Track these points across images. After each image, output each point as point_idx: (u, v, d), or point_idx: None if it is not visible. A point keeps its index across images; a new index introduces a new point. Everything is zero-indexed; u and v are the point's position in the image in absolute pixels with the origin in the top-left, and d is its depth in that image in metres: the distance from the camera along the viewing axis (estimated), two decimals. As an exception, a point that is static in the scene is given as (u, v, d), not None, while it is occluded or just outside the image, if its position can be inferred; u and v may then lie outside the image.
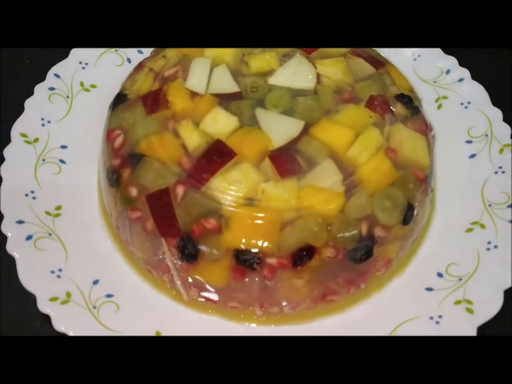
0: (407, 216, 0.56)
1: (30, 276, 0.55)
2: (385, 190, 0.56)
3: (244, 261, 0.52)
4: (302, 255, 0.52)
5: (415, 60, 0.77)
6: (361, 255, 0.54)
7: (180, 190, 0.54)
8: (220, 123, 0.59)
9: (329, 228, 0.53)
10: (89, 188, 0.66)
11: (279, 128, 0.59)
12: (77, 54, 0.74)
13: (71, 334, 0.52)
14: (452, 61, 0.75)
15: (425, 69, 0.76)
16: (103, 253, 0.61)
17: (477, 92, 0.72)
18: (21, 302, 0.58)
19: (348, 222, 0.54)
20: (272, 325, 0.56)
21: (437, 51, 0.77)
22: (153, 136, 0.58)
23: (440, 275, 0.59)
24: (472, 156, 0.68)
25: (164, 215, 0.54)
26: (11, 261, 0.57)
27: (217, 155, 0.56)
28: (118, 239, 0.61)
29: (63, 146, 0.67)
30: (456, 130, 0.70)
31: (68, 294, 0.55)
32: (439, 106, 0.73)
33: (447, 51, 0.76)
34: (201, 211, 0.53)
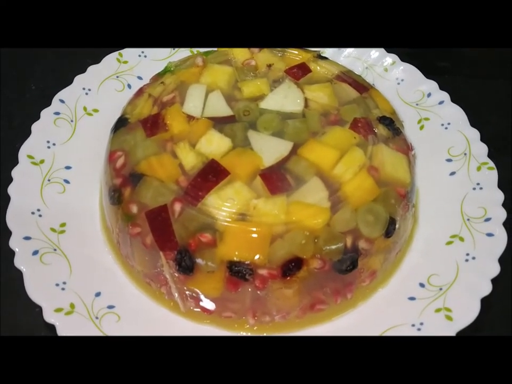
0: (389, 229, 0.60)
1: (36, 289, 0.58)
2: (368, 205, 0.60)
3: (237, 272, 0.56)
4: (291, 266, 0.56)
5: (398, 84, 0.82)
6: (347, 266, 0.58)
7: (177, 206, 0.58)
8: (215, 144, 0.63)
9: (316, 240, 0.57)
10: (92, 206, 0.69)
11: (269, 149, 0.63)
12: (80, 80, 0.79)
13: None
14: (432, 85, 0.80)
15: (408, 92, 0.80)
16: (105, 267, 0.64)
17: (456, 114, 0.76)
18: (27, 313, 0.61)
19: (334, 235, 0.58)
20: (264, 333, 0.60)
21: (419, 76, 0.82)
22: (152, 157, 0.62)
23: (422, 285, 0.62)
24: (452, 173, 0.72)
25: (163, 230, 0.58)
26: (18, 275, 0.60)
27: (212, 174, 0.60)
28: (118, 253, 0.65)
29: (67, 167, 0.71)
30: (437, 150, 0.74)
31: (72, 305, 0.58)
32: (421, 127, 0.77)
33: (428, 76, 0.82)
34: (197, 226, 0.57)
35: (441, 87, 0.80)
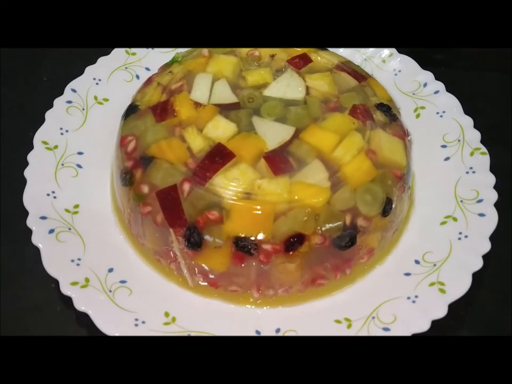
0: (386, 208, 0.63)
1: (53, 264, 0.62)
2: (366, 186, 0.63)
3: (243, 247, 0.59)
4: (293, 242, 0.59)
5: (396, 75, 0.85)
6: (346, 243, 0.61)
7: (186, 186, 0.62)
8: (221, 129, 0.66)
9: (317, 218, 0.60)
10: (103, 189, 0.73)
11: (273, 133, 0.66)
12: (91, 71, 0.82)
13: (90, 312, 0.59)
14: (428, 75, 0.83)
15: (405, 82, 0.84)
16: (117, 246, 0.67)
17: (451, 102, 0.79)
18: (44, 288, 0.65)
19: (334, 213, 0.61)
20: (268, 307, 0.63)
21: (415, 66, 0.85)
22: (162, 141, 0.66)
23: (417, 262, 0.65)
24: (447, 158, 0.75)
25: (172, 209, 0.61)
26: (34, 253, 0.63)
27: (219, 156, 0.63)
28: (130, 233, 0.68)
29: (80, 153, 0.75)
30: (432, 137, 0.77)
31: (87, 280, 0.62)
32: (418, 116, 0.81)
33: (425, 68, 0.85)
34: (205, 204, 0.61)
35: (437, 77, 0.83)
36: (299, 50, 0.77)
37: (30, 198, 0.67)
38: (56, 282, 0.62)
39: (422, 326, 0.58)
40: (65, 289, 0.60)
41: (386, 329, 0.59)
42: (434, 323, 0.59)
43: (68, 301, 0.61)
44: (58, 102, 0.78)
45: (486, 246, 0.64)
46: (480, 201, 0.69)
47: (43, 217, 0.66)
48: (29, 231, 0.64)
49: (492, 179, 0.70)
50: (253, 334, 0.60)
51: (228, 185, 0.61)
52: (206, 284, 0.63)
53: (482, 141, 0.76)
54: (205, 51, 0.76)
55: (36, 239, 0.64)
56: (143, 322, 0.59)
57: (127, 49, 0.86)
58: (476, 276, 0.63)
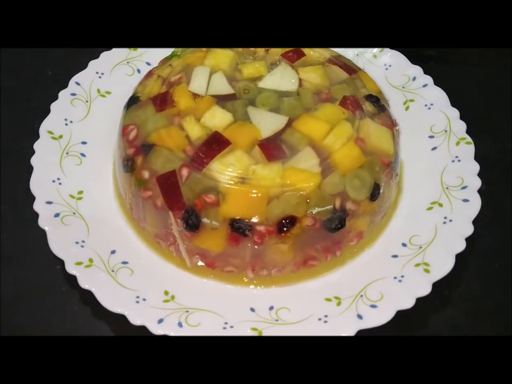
0: (374, 193, 0.67)
1: (59, 245, 0.65)
2: (355, 171, 0.66)
3: (238, 228, 0.63)
4: (286, 223, 0.63)
5: (386, 69, 0.89)
6: (335, 225, 0.65)
7: (185, 171, 0.65)
8: (218, 118, 0.70)
9: (308, 201, 0.64)
10: (106, 176, 0.76)
11: (267, 122, 0.69)
12: (94, 65, 0.86)
13: (93, 290, 0.62)
14: (417, 70, 0.86)
15: (395, 76, 0.87)
16: (119, 229, 0.70)
17: (439, 95, 0.83)
18: (49, 269, 0.69)
19: (324, 197, 0.64)
20: (262, 286, 0.67)
21: (405, 61, 0.88)
22: (162, 130, 0.69)
23: (404, 245, 0.69)
24: (434, 148, 0.78)
25: (171, 193, 0.64)
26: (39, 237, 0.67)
27: (215, 144, 0.67)
28: (131, 218, 0.72)
29: (83, 142, 0.78)
30: (420, 128, 0.81)
31: (91, 260, 0.65)
32: (407, 108, 0.84)
33: (414, 61, 0.89)
34: (202, 188, 0.64)
35: (425, 72, 0.86)
36: (293, 45, 0.81)
37: (36, 184, 0.71)
38: (61, 263, 0.65)
39: (407, 303, 0.62)
40: (70, 269, 0.64)
41: (373, 306, 0.62)
42: (422, 304, 0.63)
43: (72, 281, 0.64)
44: (63, 94, 0.81)
45: (469, 229, 0.67)
46: (464, 187, 0.72)
47: (49, 202, 0.69)
48: (36, 215, 0.68)
49: (476, 167, 0.74)
50: (248, 311, 0.63)
51: (224, 170, 0.65)
52: (203, 264, 0.67)
53: (468, 132, 0.79)
54: (203, 45, 0.80)
55: (42, 222, 0.67)
56: (144, 299, 0.62)
57: (129, 44, 0.89)
58: (460, 258, 0.66)
